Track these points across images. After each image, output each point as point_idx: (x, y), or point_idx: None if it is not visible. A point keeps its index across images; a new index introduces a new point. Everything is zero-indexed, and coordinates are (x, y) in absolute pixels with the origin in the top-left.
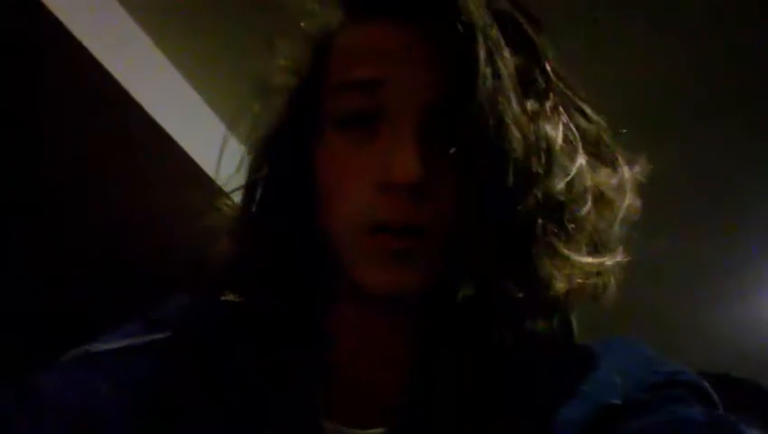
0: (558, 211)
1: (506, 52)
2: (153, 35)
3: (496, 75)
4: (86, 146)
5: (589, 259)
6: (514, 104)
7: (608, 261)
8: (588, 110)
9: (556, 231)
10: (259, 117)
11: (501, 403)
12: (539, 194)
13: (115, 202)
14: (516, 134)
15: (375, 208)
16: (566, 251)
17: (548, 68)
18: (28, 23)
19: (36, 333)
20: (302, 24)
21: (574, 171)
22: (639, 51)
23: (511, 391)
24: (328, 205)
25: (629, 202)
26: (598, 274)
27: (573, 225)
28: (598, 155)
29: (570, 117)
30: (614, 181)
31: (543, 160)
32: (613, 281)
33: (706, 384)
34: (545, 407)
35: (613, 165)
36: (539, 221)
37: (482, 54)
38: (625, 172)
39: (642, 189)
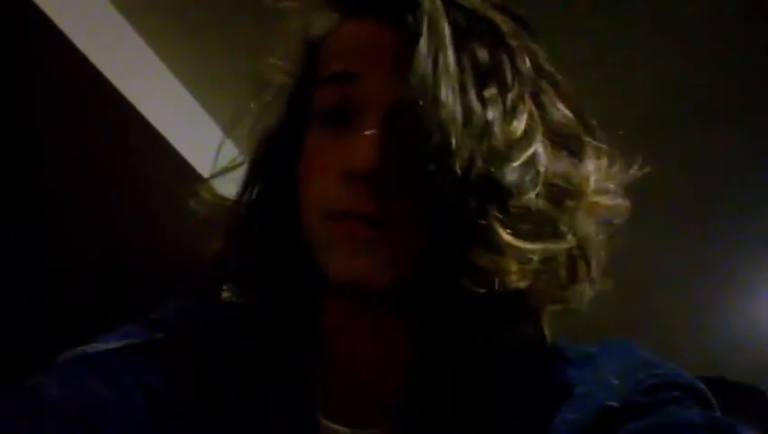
0: (501, 196)
1: (449, 42)
2: (146, 37)
3: (434, 63)
4: (81, 148)
5: (530, 245)
6: (448, 89)
7: (553, 246)
8: (563, 105)
9: (498, 217)
10: (255, 117)
11: (495, 405)
12: (473, 176)
13: (109, 204)
14: (452, 121)
15: (337, 197)
16: (504, 235)
17: (520, 60)
18: (21, 26)
19: (35, 333)
20: (293, 27)
21: (523, 158)
22: (640, 55)
23: (504, 392)
24: (301, 197)
25: (604, 201)
26: (548, 261)
27: (517, 210)
28: (568, 147)
29: (539, 107)
30: (579, 173)
31: (486, 144)
32: (588, 291)
33: (703, 386)
34: (539, 408)
35: (579, 157)
36: (473, 204)
37: (422, 45)
38: (590, 165)
39: (644, 191)
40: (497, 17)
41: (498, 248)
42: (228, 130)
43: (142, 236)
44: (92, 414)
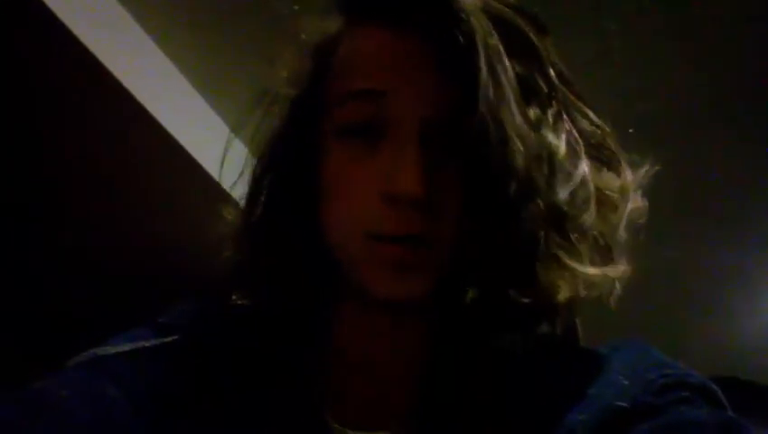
0: (561, 221)
1: (506, 61)
2: (156, 38)
3: (497, 85)
4: (87, 148)
5: (592, 270)
6: (516, 114)
7: (611, 272)
8: (591, 114)
9: (559, 241)
10: (263, 125)
11: (508, 407)
12: (542, 205)
13: (117, 204)
14: (518, 145)
15: (379, 219)
16: (569, 262)
17: (552, 73)
18: (25, 22)
19: (37, 333)
20: (302, 35)
21: (577, 179)
22: (645, 58)
23: (518, 394)
24: (329, 214)
25: (633, 204)
26: (603, 282)
27: (576, 235)
28: (601, 158)
29: (573, 121)
30: (618, 184)
31: (545, 170)
32: (617, 288)
33: (714, 386)
34: (552, 410)
35: (616, 168)
36: (542, 232)
37: (482, 64)
38: (628, 175)
39: (652, 193)
40: (524, 25)
41: (559, 272)
42: (236, 130)
43: (147, 238)
44: (102, 419)
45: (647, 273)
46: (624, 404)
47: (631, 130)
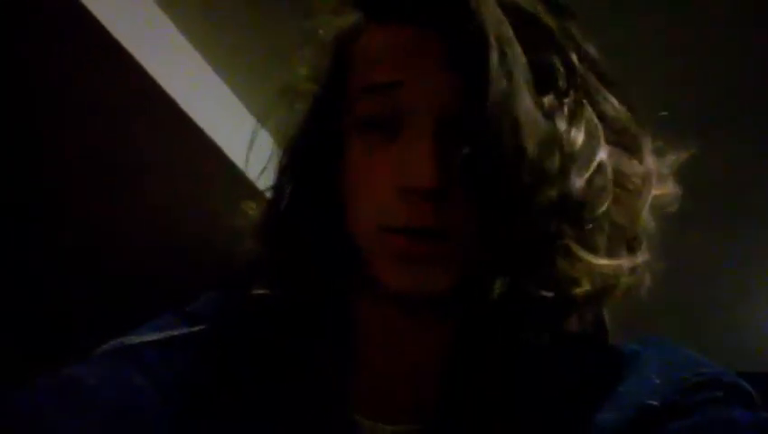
0: (575, 210)
1: (519, 51)
2: (183, 28)
3: (508, 75)
4: (115, 138)
5: (605, 262)
6: (527, 103)
7: (626, 264)
8: (613, 99)
9: (571, 231)
10: (286, 122)
11: (535, 402)
12: (555, 195)
13: (143, 194)
14: (528, 133)
15: (393, 213)
16: (583, 254)
17: (573, 58)
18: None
19: (43, 329)
20: (321, 32)
21: (593, 167)
22: (655, 49)
23: (545, 389)
24: (350, 208)
25: (657, 191)
26: (628, 272)
27: (591, 225)
28: (624, 144)
29: (595, 106)
30: (641, 170)
31: (558, 158)
32: (644, 280)
33: (748, 386)
34: (581, 407)
35: (639, 154)
36: (554, 222)
37: (493, 55)
38: (650, 161)
39: (679, 184)
40: (541, 11)
41: (573, 263)
42: (262, 121)
43: (176, 228)
44: (130, 407)
45: (673, 267)
46: (655, 403)
47: (665, 113)
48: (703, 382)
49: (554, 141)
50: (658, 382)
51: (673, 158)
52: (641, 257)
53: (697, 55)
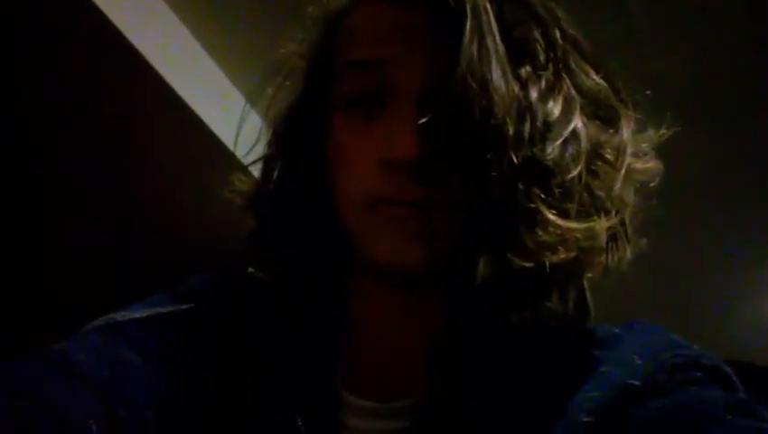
0: (545, 176)
1: (493, 21)
2: (177, 10)
3: (480, 44)
4: (104, 120)
5: (576, 225)
6: (498, 72)
7: (597, 227)
8: (593, 73)
9: (542, 196)
10: (275, 99)
11: (520, 380)
12: (520, 158)
13: (128, 175)
14: (499, 101)
15: (378, 186)
16: (554, 218)
17: (554, 33)
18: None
19: (45, 318)
20: (310, 9)
21: (565, 134)
22: (671, 39)
23: (530, 368)
24: (335, 184)
25: (635, 164)
26: (603, 239)
27: (560, 189)
28: (601, 116)
29: (573, 78)
30: (615, 140)
31: (528, 126)
32: (624, 253)
33: (727, 368)
34: (564, 386)
35: (614, 124)
36: (523, 186)
37: (467, 24)
38: (627, 133)
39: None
40: None
41: (543, 227)
42: (251, 101)
43: (165, 211)
44: (121, 382)
45: (667, 259)
46: (636, 382)
47: (648, 92)
48: (683, 363)
49: (526, 109)
50: (640, 362)
51: (654, 134)
52: (612, 222)
53: None
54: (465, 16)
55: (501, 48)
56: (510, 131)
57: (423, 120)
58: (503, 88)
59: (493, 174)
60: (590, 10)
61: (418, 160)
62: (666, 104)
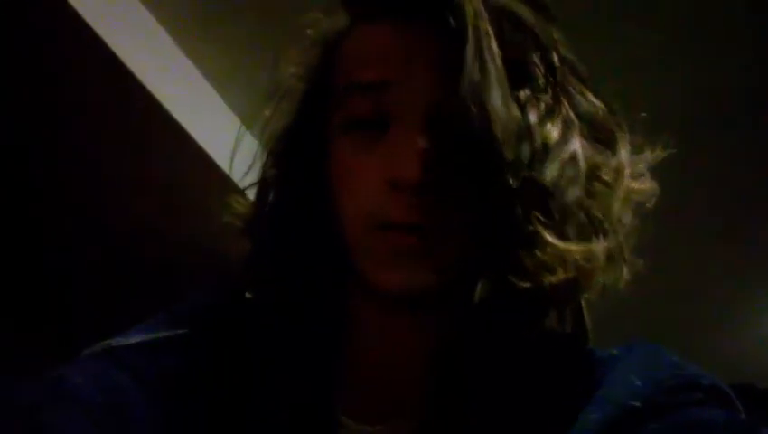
0: (543, 197)
1: (495, 45)
2: (172, 33)
3: (482, 67)
4: (101, 142)
5: (575, 247)
6: (499, 96)
7: (596, 249)
8: (591, 96)
9: (540, 218)
10: (271, 122)
11: (518, 403)
12: (522, 182)
13: (129, 197)
14: (499, 124)
15: (383, 207)
16: (552, 239)
17: (553, 57)
18: (46, 16)
19: (44, 330)
20: (308, 32)
21: (564, 156)
22: (667, 59)
23: (528, 391)
24: (338, 206)
25: (632, 185)
26: (601, 260)
27: (561, 213)
28: (599, 139)
29: (571, 101)
30: (613, 163)
31: (527, 149)
32: (621, 273)
33: (727, 388)
34: (562, 409)
35: (613, 147)
36: (519, 209)
37: (469, 48)
38: (624, 155)
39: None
40: (523, 10)
41: (542, 249)
42: (247, 124)
43: (160, 232)
44: (118, 408)
45: (664, 283)
46: (636, 404)
47: (644, 114)
48: (683, 383)
49: (526, 132)
50: (639, 383)
51: (651, 155)
52: (610, 243)
53: None
54: (467, 38)
55: (502, 71)
56: (510, 154)
57: (426, 141)
58: (504, 111)
59: (493, 196)
60: (586, 33)
61: (422, 181)
62: (663, 125)
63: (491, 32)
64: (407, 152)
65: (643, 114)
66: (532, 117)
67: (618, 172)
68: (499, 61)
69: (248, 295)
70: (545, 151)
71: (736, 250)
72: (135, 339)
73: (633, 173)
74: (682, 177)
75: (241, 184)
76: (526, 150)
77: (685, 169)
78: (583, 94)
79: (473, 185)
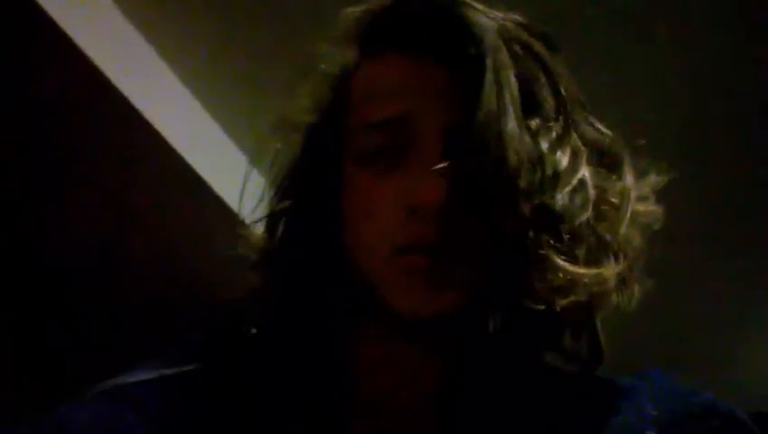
0: (555, 222)
1: (513, 76)
2: (176, 69)
3: (500, 97)
4: (106, 177)
5: (585, 270)
6: (515, 125)
7: (606, 272)
8: (595, 121)
9: (551, 242)
10: (280, 154)
11: (535, 429)
12: (531, 208)
13: (134, 233)
14: (514, 152)
15: (405, 231)
16: (563, 264)
17: (560, 86)
18: (41, 45)
19: (43, 363)
20: (321, 66)
21: (574, 182)
22: (665, 80)
23: (543, 421)
24: (355, 235)
25: (638, 207)
26: (612, 283)
27: (570, 237)
28: (605, 164)
29: (578, 129)
30: (619, 187)
31: (540, 175)
32: (632, 294)
33: (744, 415)
34: None
35: (619, 173)
36: (531, 233)
37: (489, 78)
38: (630, 179)
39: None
40: (533, 42)
41: (554, 273)
42: (254, 160)
43: (163, 267)
44: None
45: (674, 310)
46: (651, 433)
47: (643, 141)
48: (699, 412)
49: (537, 159)
50: (655, 413)
51: (654, 179)
52: (620, 267)
53: None
54: (486, 68)
55: (518, 100)
56: (524, 181)
57: (446, 168)
58: (518, 140)
59: (507, 221)
60: (584, 60)
61: (443, 206)
62: (665, 150)
63: (509, 63)
64: (428, 177)
65: (642, 141)
66: (544, 146)
67: (624, 195)
68: (515, 91)
69: (254, 331)
70: (555, 178)
71: (748, 277)
72: (139, 377)
73: (639, 196)
74: (686, 200)
75: (249, 219)
76: (538, 177)
77: (690, 192)
78: (588, 122)
79: (488, 211)
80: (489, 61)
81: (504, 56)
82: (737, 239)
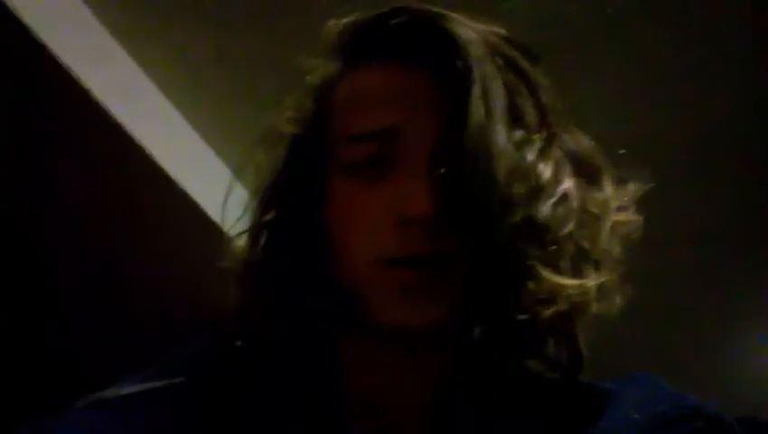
0: (540, 233)
1: (499, 88)
2: (161, 85)
3: (487, 109)
4: (89, 192)
5: (568, 281)
6: (502, 137)
7: (589, 283)
8: (576, 132)
9: (537, 253)
10: (264, 166)
11: None
12: (521, 219)
13: (119, 247)
14: (501, 164)
15: (391, 243)
16: (548, 274)
17: (543, 99)
18: (40, 72)
19: (36, 378)
20: (306, 78)
21: (558, 194)
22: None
23: (532, 424)
24: (340, 246)
25: (618, 217)
26: (594, 294)
27: (555, 247)
28: (587, 175)
29: (560, 141)
30: (600, 197)
31: (525, 187)
32: (613, 303)
33: (729, 418)
34: None
35: (600, 184)
36: (518, 244)
37: (476, 90)
38: (610, 189)
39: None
40: (516, 55)
41: (538, 283)
42: (238, 174)
43: (148, 281)
44: None
45: (656, 313)
46: None
47: (622, 151)
48: (684, 415)
49: (523, 171)
50: (638, 416)
51: (634, 188)
52: (603, 277)
53: None
54: (473, 80)
55: (505, 112)
56: (512, 193)
57: (434, 179)
58: (506, 152)
59: (494, 232)
60: (574, 71)
61: (431, 217)
62: (647, 160)
63: (496, 75)
64: (417, 188)
65: (622, 151)
66: (529, 157)
67: (605, 205)
68: (502, 103)
69: (239, 342)
70: (540, 189)
71: (737, 280)
72: (127, 390)
73: (619, 206)
74: (678, 205)
75: (231, 233)
76: (523, 189)
77: (680, 198)
78: (570, 133)
79: (476, 222)
80: (476, 73)
81: (490, 68)
82: (737, 239)
